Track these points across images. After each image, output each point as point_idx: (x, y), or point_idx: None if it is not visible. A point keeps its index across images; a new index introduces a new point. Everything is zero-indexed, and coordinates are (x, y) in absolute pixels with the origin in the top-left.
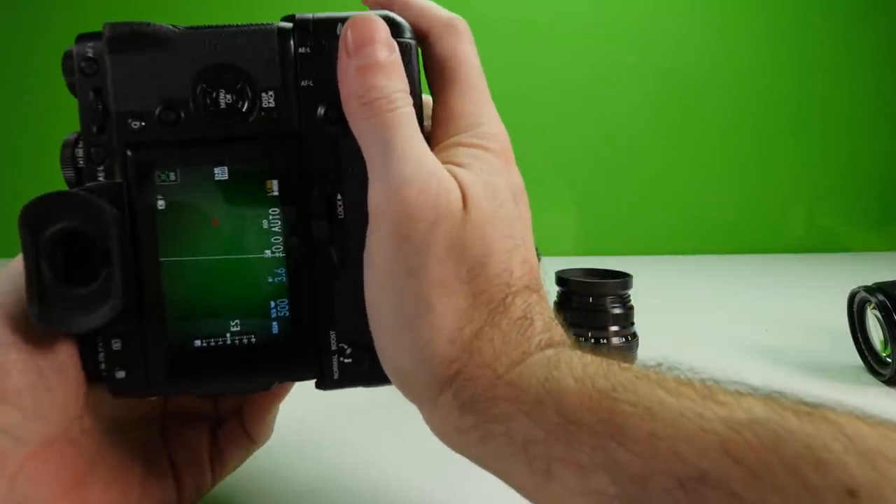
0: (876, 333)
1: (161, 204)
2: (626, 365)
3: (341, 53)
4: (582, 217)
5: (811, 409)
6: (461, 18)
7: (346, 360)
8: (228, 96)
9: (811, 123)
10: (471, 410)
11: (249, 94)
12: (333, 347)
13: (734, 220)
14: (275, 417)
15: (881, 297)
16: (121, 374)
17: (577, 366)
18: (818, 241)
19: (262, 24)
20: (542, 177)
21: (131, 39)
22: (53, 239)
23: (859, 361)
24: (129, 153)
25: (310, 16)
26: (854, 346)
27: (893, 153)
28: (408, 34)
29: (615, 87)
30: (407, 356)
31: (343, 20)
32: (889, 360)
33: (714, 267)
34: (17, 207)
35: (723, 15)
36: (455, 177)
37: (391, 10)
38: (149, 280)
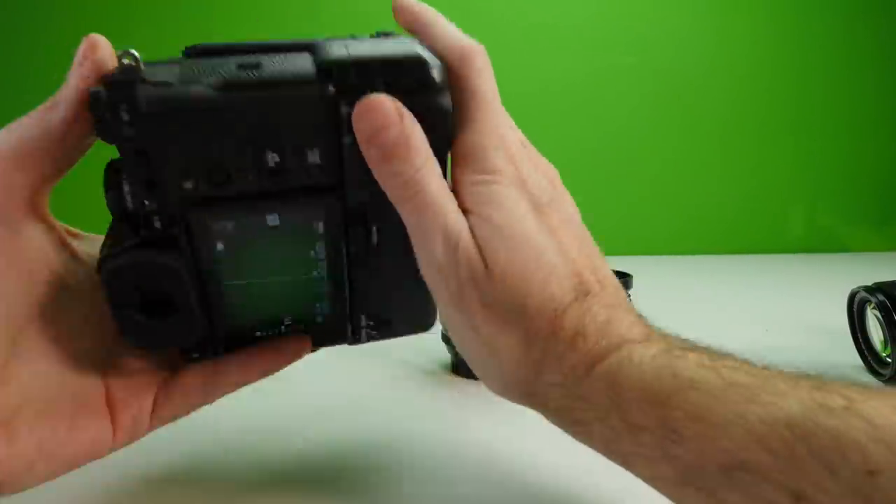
0: (876, 333)
1: (220, 246)
2: (678, 366)
3: (359, 139)
4: (582, 217)
5: (847, 404)
6: (477, 46)
7: (371, 332)
8: (275, 156)
9: (811, 123)
10: (555, 415)
11: (295, 153)
12: (363, 324)
13: (734, 220)
14: None
15: (881, 297)
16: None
17: (634, 373)
18: (818, 241)
19: (299, 74)
20: None
21: (169, 113)
22: (136, 292)
23: (859, 361)
24: (186, 212)
25: (348, 60)
26: (854, 346)
27: (893, 153)
28: (436, 90)
29: (615, 87)
30: (492, 384)
31: (381, 64)
32: (889, 360)
33: (714, 267)
34: None
35: (722, 16)
36: (472, 231)
37: (418, 33)
38: (214, 302)
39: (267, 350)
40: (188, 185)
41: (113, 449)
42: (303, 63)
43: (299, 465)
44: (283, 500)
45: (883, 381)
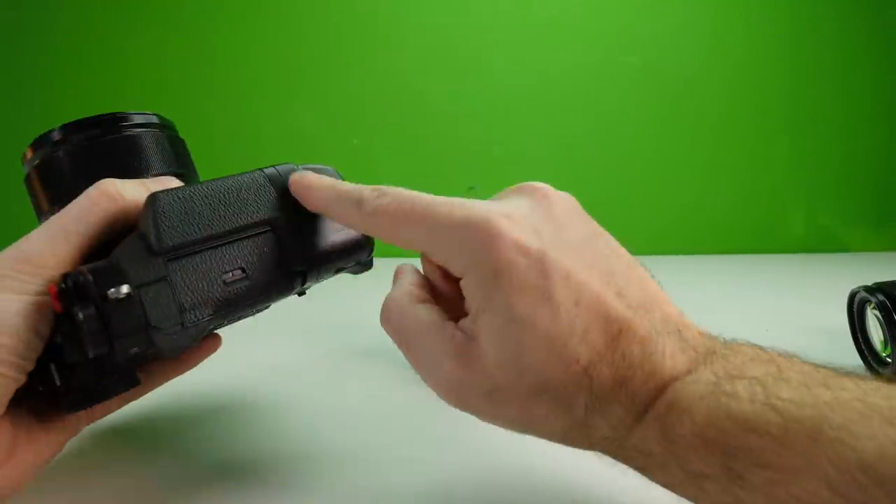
0: (876, 333)
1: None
2: (731, 408)
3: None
4: None
5: None
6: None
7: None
8: (239, 315)
9: (811, 123)
10: (618, 461)
11: (254, 310)
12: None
13: (734, 219)
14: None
15: (881, 297)
16: None
17: (686, 418)
18: (817, 241)
19: (279, 285)
20: (537, 176)
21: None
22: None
23: (859, 361)
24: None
25: (314, 262)
26: (854, 346)
27: (893, 153)
28: (369, 258)
29: (612, 86)
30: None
31: (338, 256)
32: (889, 359)
33: (714, 267)
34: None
35: (721, 15)
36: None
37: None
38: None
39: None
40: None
41: (70, 438)
42: (280, 270)
43: (299, 464)
44: (284, 498)
45: None
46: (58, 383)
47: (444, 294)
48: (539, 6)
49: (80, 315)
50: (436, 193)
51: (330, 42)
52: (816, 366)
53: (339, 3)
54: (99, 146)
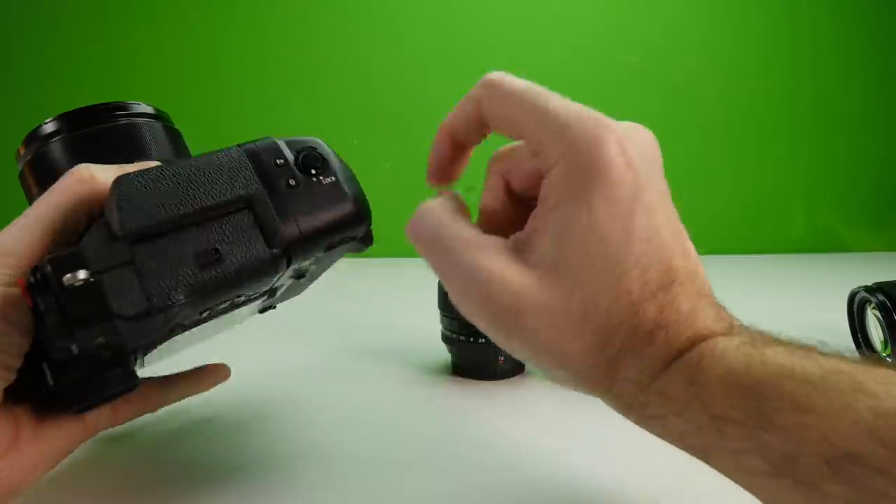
0: (876, 333)
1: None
2: (766, 355)
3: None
4: None
5: None
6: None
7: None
8: (227, 303)
9: (811, 123)
10: (629, 410)
11: (244, 298)
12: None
13: (734, 220)
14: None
15: (881, 297)
16: None
17: (718, 364)
18: (818, 241)
19: (259, 260)
20: None
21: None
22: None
23: None
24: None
25: (298, 239)
26: (854, 346)
27: (893, 153)
28: (364, 233)
29: (612, 86)
30: (559, 382)
31: (325, 233)
32: (889, 360)
33: (714, 267)
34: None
35: (720, 15)
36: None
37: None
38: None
39: (202, 371)
40: (144, 341)
41: (84, 440)
42: (259, 249)
43: (299, 463)
44: (284, 496)
45: None
46: (50, 383)
47: (497, 216)
48: (539, 6)
49: (41, 306)
50: (436, 193)
51: (330, 41)
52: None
53: (340, 2)
54: (92, 136)
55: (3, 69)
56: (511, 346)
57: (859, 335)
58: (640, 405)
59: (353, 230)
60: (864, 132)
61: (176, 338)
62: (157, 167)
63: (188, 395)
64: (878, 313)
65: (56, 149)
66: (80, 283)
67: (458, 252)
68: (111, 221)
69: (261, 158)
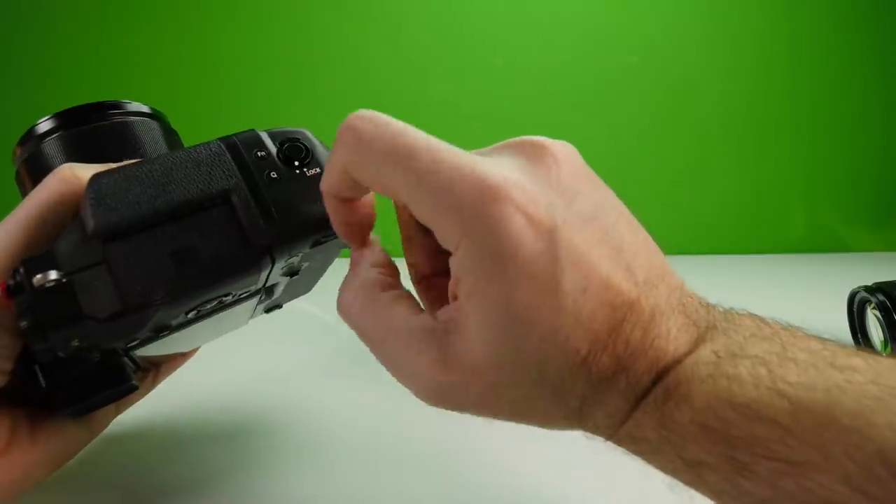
0: (876, 333)
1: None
2: (733, 391)
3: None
4: None
5: None
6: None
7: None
8: (214, 303)
9: (811, 123)
10: (606, 440)
11: (231, 297)
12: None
13: (734, 220)
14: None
15: (881, 297)
16: None
17: (684, 403)
18: (818, 240)
19: (236, 259)
20: None
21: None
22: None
23: None
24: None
25: (280, 238)
26: (854, 346)
27: (893, 153)
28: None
29: (615, 87)
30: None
31: (307, 233)
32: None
33: (714, 267)
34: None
35: (720, 15)
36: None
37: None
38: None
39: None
40: (133, 342)
41: (88, 442)
42: (238, 246)
43: (294, 463)
44: (280, 495)
45: None
46: (42, 384)
47: (418, 250)
48: (539, 6)
49: (15, 307)
50: None
51: (330, 41)
52: (822, 340)
53: (339, 2)
54: (86, 135)
55: (3, 69)
56: (475, 415)
57: (859, 335)
58: (617, 442)
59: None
60: (864, 132)
61: (173, 336)
62: (133, 164)
63: (172, 371)
64: (878, 313)
65: (50, 148)
66: (52, 283)
67: (387, 345)
68: (85, 220)
69: (241, 151)
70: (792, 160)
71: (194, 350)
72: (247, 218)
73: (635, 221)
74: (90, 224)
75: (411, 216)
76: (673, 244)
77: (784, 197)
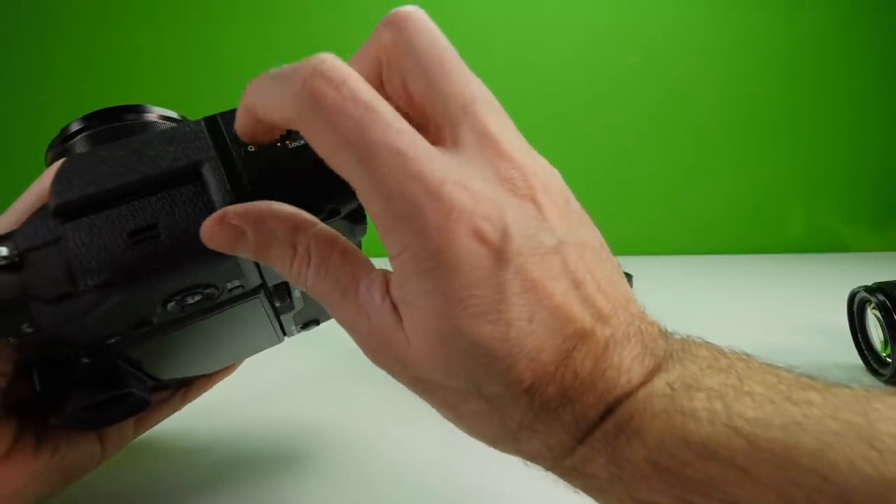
0: (876, 333)
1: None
2: (687, 428)
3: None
4: None
5: None
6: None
7: (302, 330)
8: (197, 297)
9: (811, 123)
10: (553, 473)
11: (216, 290)
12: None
13: (734, 220)
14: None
15: (881, 297)
16: None
17: (636, 439)
18: (818, 240)
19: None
20: None
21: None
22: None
23: (859, 361)
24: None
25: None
26: (854, 346)
27: (893, 153)
28: None
29: (615, 87)
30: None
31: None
32: (889, 360)
33: (714, 267)
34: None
35: (720, 15)
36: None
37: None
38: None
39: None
40: (112, 339)
41: (102, 460)
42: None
43: (291, 462)
44: (276, 494)
45: (883, 382)
46: (37, 389)
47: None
48: (539, 6)
49: None
50: None
51: (330, 42)
52: (776, 371)
53: (340, 3)
54: (112, 133)
55: (3, 69)
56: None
57: (859, 335)
58: (560, 475)
59: (328, 200)
60: (864, 132)
61: (181, 345)
62: (109, 145)
63: (204, 391)
64: (878, 313)
65: (77, 146)
66: (4, 261)
67: (343, 312)
68: (49, 197)
69: (220, 126)
70: (792, 160)
71: (228, 370)
72: (218, 193)
73: (605, 250)
74: (52, 201)
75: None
76: (673, 244)
77: (784, 197)
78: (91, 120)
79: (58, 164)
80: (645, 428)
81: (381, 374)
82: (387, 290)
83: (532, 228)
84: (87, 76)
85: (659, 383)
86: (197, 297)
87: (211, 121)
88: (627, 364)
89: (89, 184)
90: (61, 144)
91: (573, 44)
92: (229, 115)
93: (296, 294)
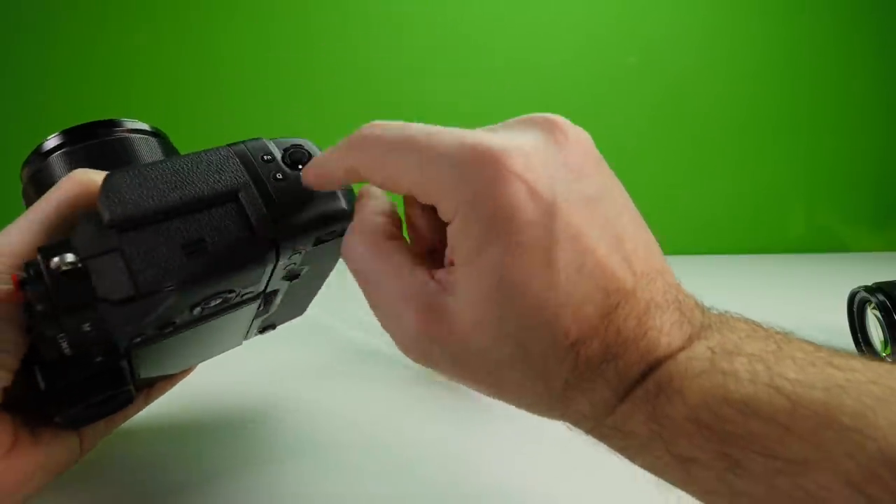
0: (876, 333)
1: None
2: (728, 386)
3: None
4: None
5: None
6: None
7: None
8: (217, 300)
9: (811, 123)
10: (592, 437)
11: (234, 295)
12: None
13: (734, 220)
14: None
15: (881, 297)
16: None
17: (677, 397)
18: (818, 240)
19: (247, 256)
20: None
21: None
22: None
23: None
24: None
25: (291, 237)
26: (854, 346)
27: (893, 153)
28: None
29: (615, 87)
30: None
31: (314, 227)
32: (889, 360)
33: (714, 267)
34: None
35: (719, 15)
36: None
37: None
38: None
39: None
40: (138, 339)
41: (80, 457)
42: (246, 238)
43: (286, 462)
44: (275, 495)
45: None
46: (42, 386)
47: (421, 236)
48: (539, 6)
49: (30, 294)
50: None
51: (330, 43)
52: (816, 344)
53: (339, 4)
54: (91, 150)
55: (3, 69)
56: (448, 377)
57: (859, 335)
58: (600, 436)
59: (341, 223)
60: (864, 132)
61: (172, 346)
62: (146, 165)
63: (165, 391)
64: (878, 313)
65: (56, 163)
66: (68, 266)
67: (380, 288)
68: (101, 212)
69: (248, 154)
70: (791, 161)
71: (186, 372)
72: (254, 213)
73: (640, 218)
74: (106, 215)
75: (415, 203)
76: (673, 244)
77: (784, 197)
78: (66, 136)
79: (76, 176)
80: (686, 388)
81: (374, 370)
82: (431, 276)
83: (575, 179)
84: (87, 76)
85: (699, 348)
86: (217, 301)
87: (239, 149)
88: (668, 328)
89: (141, 199)
90: (40, 160)
91: (572, 44)
92: (254, 145)
93: (276, 301)
